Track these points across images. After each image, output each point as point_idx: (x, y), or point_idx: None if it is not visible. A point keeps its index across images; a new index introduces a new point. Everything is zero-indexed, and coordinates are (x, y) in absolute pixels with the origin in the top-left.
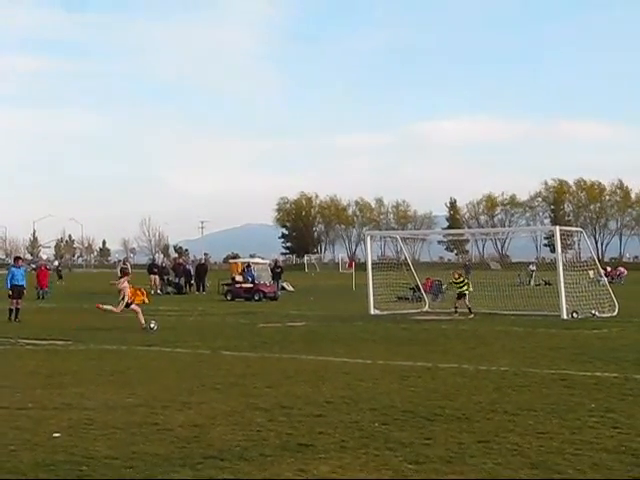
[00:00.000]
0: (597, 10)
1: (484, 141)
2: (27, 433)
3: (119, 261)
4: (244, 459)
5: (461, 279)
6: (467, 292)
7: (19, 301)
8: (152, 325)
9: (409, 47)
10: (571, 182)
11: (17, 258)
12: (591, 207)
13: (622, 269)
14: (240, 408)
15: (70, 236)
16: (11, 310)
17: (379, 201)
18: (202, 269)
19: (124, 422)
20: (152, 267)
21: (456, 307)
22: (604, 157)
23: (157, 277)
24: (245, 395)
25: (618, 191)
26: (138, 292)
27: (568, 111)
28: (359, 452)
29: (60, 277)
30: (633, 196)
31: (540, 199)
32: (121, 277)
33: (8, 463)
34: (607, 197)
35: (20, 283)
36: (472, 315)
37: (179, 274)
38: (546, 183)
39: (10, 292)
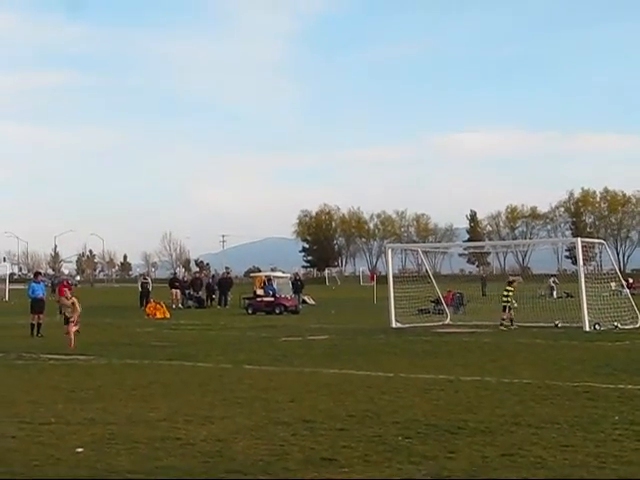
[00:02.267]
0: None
1: (503, 153)
2: (50, 448)
3: (140, 275)
4: (267, 473)
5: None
6: (510, 305)
7: (40, 316)
8: None
9: (427, 59)
10: (594, 193)
11: (37, 273)
12: (612, 218)
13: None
14: (263, 422)
15: (91, 251)
16: (33, 325)
17: (400, 214)
18: (225, 283)
19: (147, 437)
20: (174, 281)
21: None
22: (624, 169)
23: (178, 291)
24: (267, 409)
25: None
26: (158, 306)
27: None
28: (382, 466)
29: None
30: None
31: (562, 209)
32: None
33: (31, 479)
34: (630, 207)
35: (40, 297)
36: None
37: (197, 288)
38: (572, 193)
39: (31, 307)
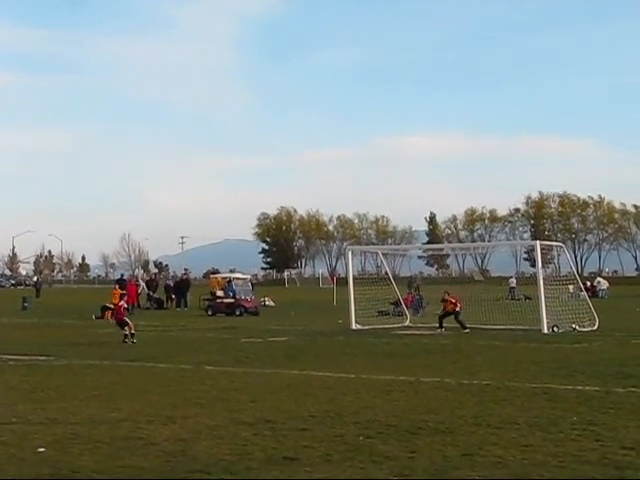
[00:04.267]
0: (575, 25)
1: (457, 156)
2: (12, 448)
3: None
4: (230, 473)
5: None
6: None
7: None
8: None
9: (379, 64)
10: (550, 197)
11: None
12: (571, 222)
13: (601, 279)
14: (225, 422)
15: (50, 252)
16: None
17: (360, 216)
18: (184, 284)
19: (109, 437)
20: (121, 283)
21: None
22: (582, 173)
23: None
24: (229, 410)
25: (597, 206)
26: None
27: (546, 127)
28: (344, 465)
29: (38, 294)
30: (612, 209)
31: (520, 214)
32: None
33: None
34: (587, 211)
35: None
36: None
37: (152, 289)
38: (529, 197)
39: None
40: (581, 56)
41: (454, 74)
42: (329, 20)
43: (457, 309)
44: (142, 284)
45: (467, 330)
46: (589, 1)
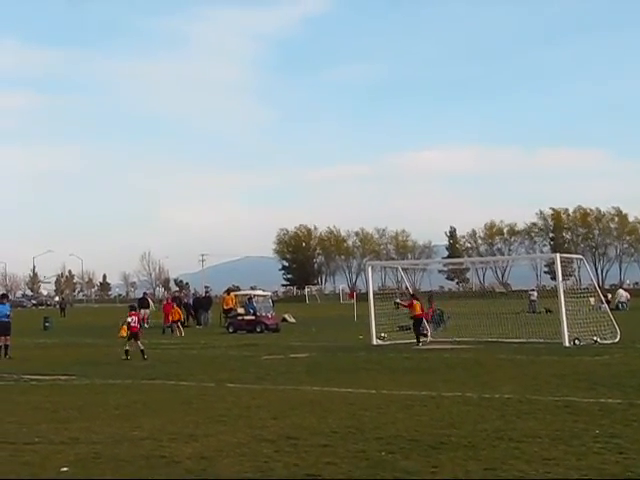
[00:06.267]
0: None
1: (481, 170)
2: (35, 468)
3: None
4: None
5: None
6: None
7: (7, 337)
8: None
9: (394, 79)
10: (569, 210)
11: (3, 295)
12: (590, 234)
13: (622, 291)
14: (246, 440)
15: (70, 271)
16: (0, 347)
17: (380, 231)
18: (205, 302)
19: (131, 455)
20: (142, 301)
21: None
22: (601, 186)
23: (148, 311)
24: (251, 427)
25: (616, 218)
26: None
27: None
28: None
29: (63, 313)
30: (631, 221)
31: (538, 228)
32: None
33: None
34: (606, 224)
35: (5, 320)
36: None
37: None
38: (541, 212)
39: None
40: (597, 65)
41: (469, 88)
42: (344, 36)
43: (419, 315)
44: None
45: (420, 345)
46: (604, 10)
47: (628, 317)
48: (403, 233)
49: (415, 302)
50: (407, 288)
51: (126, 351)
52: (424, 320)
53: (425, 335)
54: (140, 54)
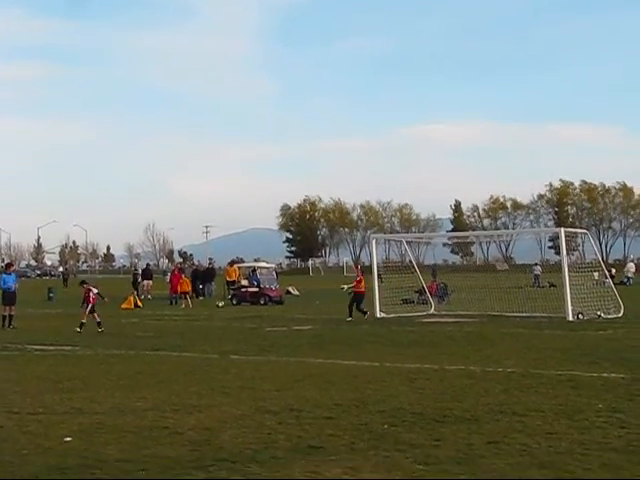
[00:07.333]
0: (596, 14)
1: (485, 144)
2: (39, 438)
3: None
4: (255, 462)
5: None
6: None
7: (12, 307)
8: None
9: (402, 52)
10: (575, 184)
11: (9, 264)
12: (594, 209)
13: (632, 264)
14: (250, 411)
15: (74, 242)
16: (4, 317)
17: (383, 204)
18: (209, 273)
19: (135, 426)
20: (146, 272)
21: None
22: (605, 160)
23: (151, 282)
24: (254, 398)
25: (621, 193)
26: (130, 298)
27: (568, 114)
28: (369, 454)
29: (65, 284)
30: (636, 196)
31: (544, 201)
32: None
33: (21, 468)
34: (610, 198)
35: (12, 289)
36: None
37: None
38: (550, 185)
39: (2, 298)
40: (605, 42)
41: (477, 62)
42: (351, 9)
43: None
44: (139, 271)
45: (351, 318)
46: None
47: (632, 292)
48: (407, 206)
49: (363, 279)
50: (411, 261)
51: (81, 324)
52: (428, 293)
53: (365, 313)
54: (149, 25)
